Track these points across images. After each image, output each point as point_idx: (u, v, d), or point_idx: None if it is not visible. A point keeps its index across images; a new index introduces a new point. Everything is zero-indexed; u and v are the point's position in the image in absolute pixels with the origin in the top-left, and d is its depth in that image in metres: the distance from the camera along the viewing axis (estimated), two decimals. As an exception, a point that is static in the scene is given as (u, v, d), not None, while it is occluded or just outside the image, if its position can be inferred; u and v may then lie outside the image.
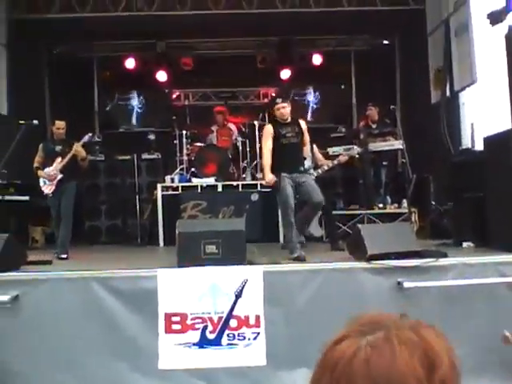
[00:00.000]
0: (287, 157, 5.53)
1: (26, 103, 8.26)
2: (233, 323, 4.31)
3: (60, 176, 6.22)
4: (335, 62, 10.43)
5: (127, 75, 10.31)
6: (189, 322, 4.30)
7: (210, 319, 4.30)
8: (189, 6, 8.43)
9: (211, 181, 8.07)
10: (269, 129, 5.69)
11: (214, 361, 4.28)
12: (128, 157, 8.84)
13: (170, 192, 8.03)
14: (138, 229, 8.43)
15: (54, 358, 4.24)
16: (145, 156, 8.98)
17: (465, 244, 5.62)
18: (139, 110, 10.79)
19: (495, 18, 5.63)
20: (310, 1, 8.49)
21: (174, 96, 10.88)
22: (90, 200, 8.70)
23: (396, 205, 7.89)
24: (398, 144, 7.59)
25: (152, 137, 9.11)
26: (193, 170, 8.38)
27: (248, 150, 8.75)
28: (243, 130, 9.26)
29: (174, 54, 10.30)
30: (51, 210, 6.35)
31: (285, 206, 5.42)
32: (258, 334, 4.30)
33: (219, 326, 4.29)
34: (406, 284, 4.34)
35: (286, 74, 10.26)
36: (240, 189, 8.06)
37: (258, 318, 4.31)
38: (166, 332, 4.29)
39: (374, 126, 8.22)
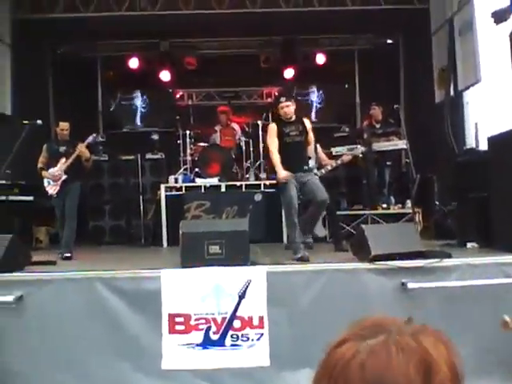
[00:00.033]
0: (291, 155, 5.52)
1: (30, 103, 8.28)
2: (236, 324, 4.31)
3: (64, 177, 6.24)
4: (339, 61, 10.41)
5: (131, 75, 10.33)
6: (192, 322, 4.30)
7: (214, 320, 4.30)
8: (192, 5, 8.43)
9: (215, 181, 8.07)
10: (273, 127, 5.69)
11: (217, 361, 4.28)
12: (132, 157, 8.85)
13: (174, 192, 8.04)
14: (142, 229, 8.45)
15: (58, 358, 4.25)
16: (148, 156, 9.00)
17: (469, 244, 5.60)
18: (143, 110, 10.81)
19: (499, 16, 5.60)
20: (313, 0, 8.48)
21: (178, 96, 10.88)
22: (93, 200, 8.72)
23: (400, 205, 7.88)
24: (401, 144, 7.57)
25: (156, 137, 9.12)
26: (196, 170, 8.38)
27: (251, 149, 8.75)
28: (247, 129, 9.27)
29: (178, 53, 10.31)
30: (56, 211, 6.37)
31: (288, 206, 5.42)
32: (262, 334, 4.29)
33: (223, 327, 4.29)
34: (410, 285, 4.32)
35: (289, 73, 10.25)
36: (243, 189, 8.05)
37: (261, 318, 4.31)
38: (169, 332, 4.29)
39: (377, 126, 8.20)
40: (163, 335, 4.28)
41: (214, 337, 4.29)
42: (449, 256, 4.62)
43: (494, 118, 6.78)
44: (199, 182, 8.10)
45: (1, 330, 4.26)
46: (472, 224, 5.81)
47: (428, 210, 7.49)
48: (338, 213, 7.14)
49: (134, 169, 8.78)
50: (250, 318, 4.30)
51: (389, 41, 10.29)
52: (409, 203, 7.32)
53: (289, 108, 5.62)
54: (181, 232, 4.69)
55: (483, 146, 6.22)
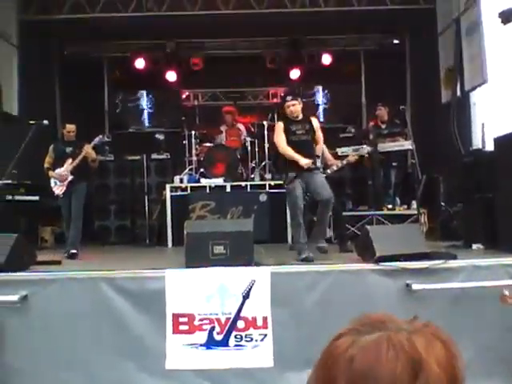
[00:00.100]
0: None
1: (37, 103, 8.32)
2: (240, 324, 4.30)
3: (71, 177, 6.26)
4: (345, 61, 10.40)
5: (137, 75, 10.36)
6: (196, 322, 4.30)
7: (218, 320, 4.30)
8: (198, 5, 8.45)
9: (220, 181, 8.07)
10: (280, 125, 5.69)
11: (221, 362, 4.28)
12: (137, 157, 8.88)
13: (179, 192, 8.05)
14: (147, 229, 8.47)
15: (62, 358, 4.27)
16: (154, 156, 9.02)
17: (474, 246, 5.57)
18: (149, 110, 10.84)
19: (506, 16, 5.58)
20: (319, 0, 8.47)
21: (184, 96, 10.90)
22: (99, 200, 8.75)
23: (405, 206, 7.85)
24: (407, 144, 7.54)
25: (161, 137, 9.14)
26: (202, 170, 8.39)
27: (257, 150, 8.74)
28: (252, 130, 9.26)
29: (184, 54, 10.34)
30: (62, 211, 6.40)
31: (294, 206, 5.41)
32: (266, 335, 4.29)
33: (227, 327, 4.29)
34: (415, 286, 4.31)
35: (295, 73, 10.25)
36: (248, 189, 8.05)
37: (265, 319, 4.30)
38: (173, 332, 4.29)
39: (383, 127, 8.17)
40: (167, 335, 4.29)
41: (218, 337, 4.29)
42: (454, 257, 4.60)
43: (500, 119, 6.74)
44: (204, 182, 8.11)
45: (5, 329, 4.28)
46: (478, 225, 5.78)
47: (434, 211, 7.45)
48: (343, 213, 7.11)
49: (139, 169, 8.82)
50: (254, 319, 4.30)
51: (395, 41, 10.26)
52: (414, 204, 7.29)
53: (295, 107, 5.62)
54: (185, 232, 4.70)
55: (490, 146, 6.19)
